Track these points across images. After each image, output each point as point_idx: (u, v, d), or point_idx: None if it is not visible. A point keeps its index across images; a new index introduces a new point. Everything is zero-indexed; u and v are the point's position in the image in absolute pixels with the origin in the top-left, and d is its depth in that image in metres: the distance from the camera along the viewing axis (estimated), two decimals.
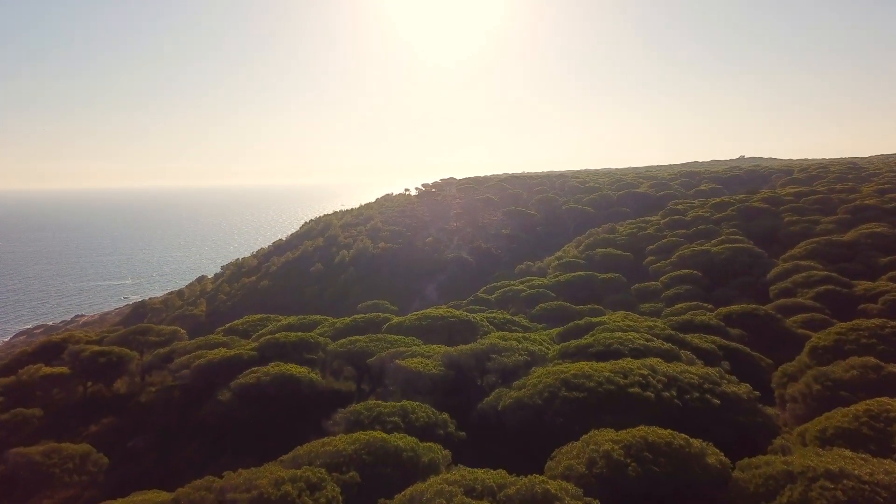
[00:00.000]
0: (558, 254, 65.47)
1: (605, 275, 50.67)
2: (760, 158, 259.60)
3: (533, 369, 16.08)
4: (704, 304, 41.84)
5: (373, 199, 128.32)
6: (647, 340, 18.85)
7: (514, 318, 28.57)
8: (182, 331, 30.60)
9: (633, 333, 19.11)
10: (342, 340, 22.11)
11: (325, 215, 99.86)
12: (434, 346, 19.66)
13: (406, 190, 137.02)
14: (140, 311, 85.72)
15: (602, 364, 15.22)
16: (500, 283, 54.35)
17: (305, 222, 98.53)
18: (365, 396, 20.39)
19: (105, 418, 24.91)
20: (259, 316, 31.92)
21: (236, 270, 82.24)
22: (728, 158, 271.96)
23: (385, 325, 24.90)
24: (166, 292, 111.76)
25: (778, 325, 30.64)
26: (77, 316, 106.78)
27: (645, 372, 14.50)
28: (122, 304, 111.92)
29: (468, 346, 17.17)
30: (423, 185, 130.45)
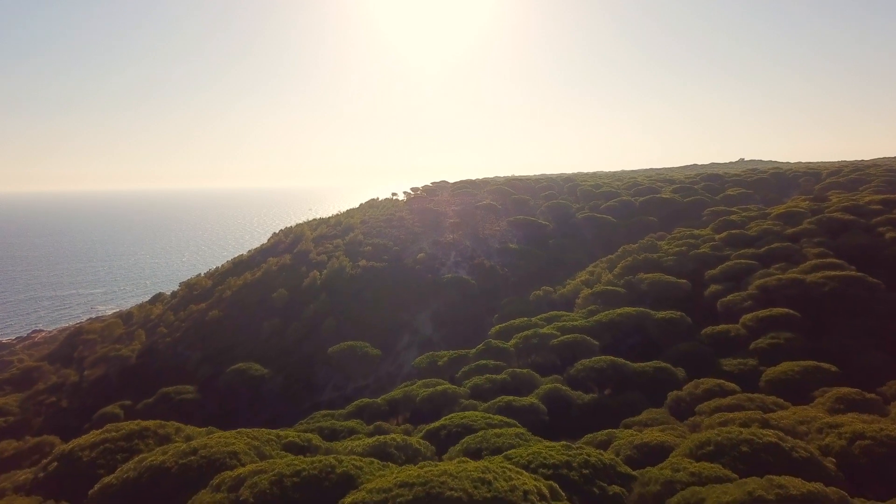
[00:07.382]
0: (584, 276, 52.19)
1: (661, 313, 37.44)
2: (760, 161, 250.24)
3: None
4: (824, 365, 28.93)
5: (356, 205, 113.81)
6: None
7: (583, 468, 14.97)
8: None
9: None
10: None
11: (297, 225, 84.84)
12: None
13: (393, 194, 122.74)
14: (73, 341, 71.93)
15: None
16: (517, 323, 40.89)
17: (274, 233, 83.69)
18: None
19: None
20: (136, 425, 18.08)
21: (187, 293, 67.68)
22: (728, 161, 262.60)
23: None
24: (113, 312, 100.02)
25: None
26: (34, 331, 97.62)
27: None
28: (87, 317, 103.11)
29: None
30: (412, 190, 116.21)
